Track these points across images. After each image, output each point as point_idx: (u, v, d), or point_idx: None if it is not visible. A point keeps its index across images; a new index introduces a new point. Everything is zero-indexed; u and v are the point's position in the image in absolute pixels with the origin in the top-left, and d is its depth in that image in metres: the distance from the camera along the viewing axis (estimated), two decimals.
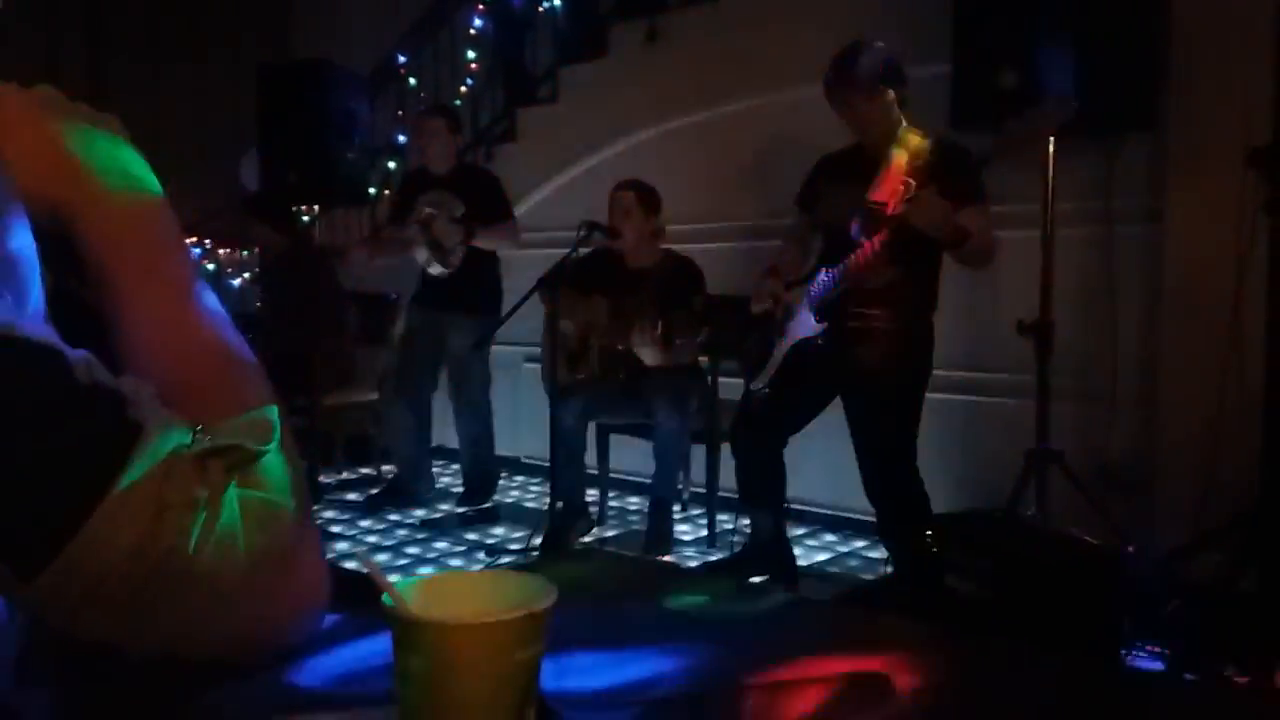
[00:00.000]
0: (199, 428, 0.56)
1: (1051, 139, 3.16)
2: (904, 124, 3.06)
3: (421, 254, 4.28)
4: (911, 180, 2.86)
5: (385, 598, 0.53)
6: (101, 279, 0.66)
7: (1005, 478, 3.29)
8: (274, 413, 0.62)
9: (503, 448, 4.68)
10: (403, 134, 5.86)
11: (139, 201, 0.69)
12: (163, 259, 0.68)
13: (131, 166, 0.69)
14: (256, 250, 4.45)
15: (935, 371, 3.15)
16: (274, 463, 0.59)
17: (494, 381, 4.46)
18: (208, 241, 6.22)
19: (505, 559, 3.59)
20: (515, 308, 3.49)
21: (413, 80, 5.86)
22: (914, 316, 3.08)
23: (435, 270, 4.26)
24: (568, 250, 3.64)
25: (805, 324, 3.15)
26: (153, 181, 0.70)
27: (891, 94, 3.02)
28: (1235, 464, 2.75)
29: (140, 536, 0.52)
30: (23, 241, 0.60)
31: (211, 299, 0.69)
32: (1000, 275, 3.35)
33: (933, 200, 2.75)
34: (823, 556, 3.64)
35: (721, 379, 3.81)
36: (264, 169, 5.39)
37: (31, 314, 0.60)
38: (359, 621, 0.75)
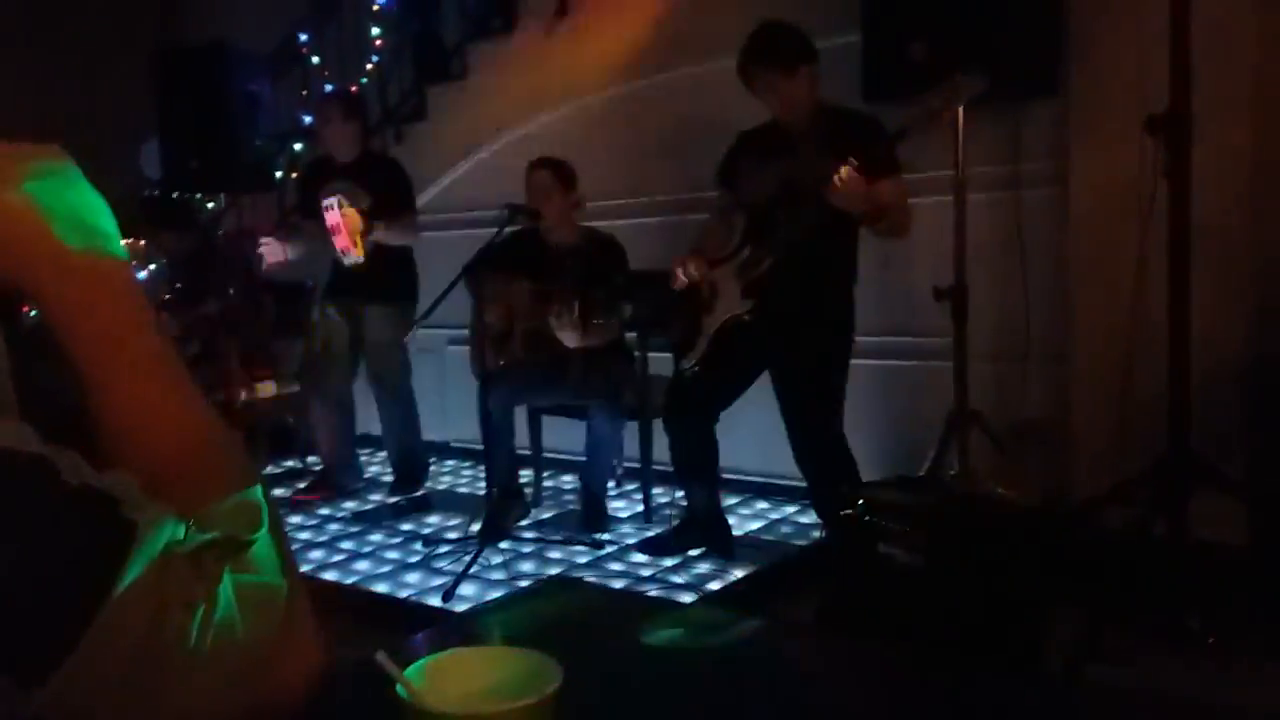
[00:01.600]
0: (190, 521, 0.56)
1: (961, 108, 3.23)
2: (818, 99, 3.10)
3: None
4: (831, 158, 2.91)
5: (400, 690, 0.54)
6: (69, 353, 0.64)
7: (927, 439, 3.40)
8: (259, 493, 0.62)
9: (431, 432, 4.65)
10: (308, 115, 5.71)
11: (104, 267, 0.66)
12: (132, 330, 0.66)
13: (90, 217, 0.66)
14: (163, 260, 4.32)
15: (856, 338, 3.23)
16: (264, 544, 0.59)
17: (417, 366, 4.42)
18: None
19: (443, 548, 3.59)
20: (439, 299, 3.46)
21: (316, 59, 5.70)
22: (835, 289, 3.16)
23: (348, 260, 4.18)
24: (487, 233, 3.61)
25: (732, 301, 3.19)
26: (113, 233, 0.67)
27: (805, 70, 3.06)
28: (1144, 417, 2.88)
29: (140, 639, 0.52)
30: None
31: (182, 368, 0.67)
32: (914, 241, 3.42)
33: (850, 178, 2.81)
34: (756, 525, 3.72)
35: (651, 355, 3.84)
36: (165, 158, 5.22)
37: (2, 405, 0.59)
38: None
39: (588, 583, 2.75)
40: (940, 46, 3.22)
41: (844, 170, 2.82)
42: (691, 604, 2.88)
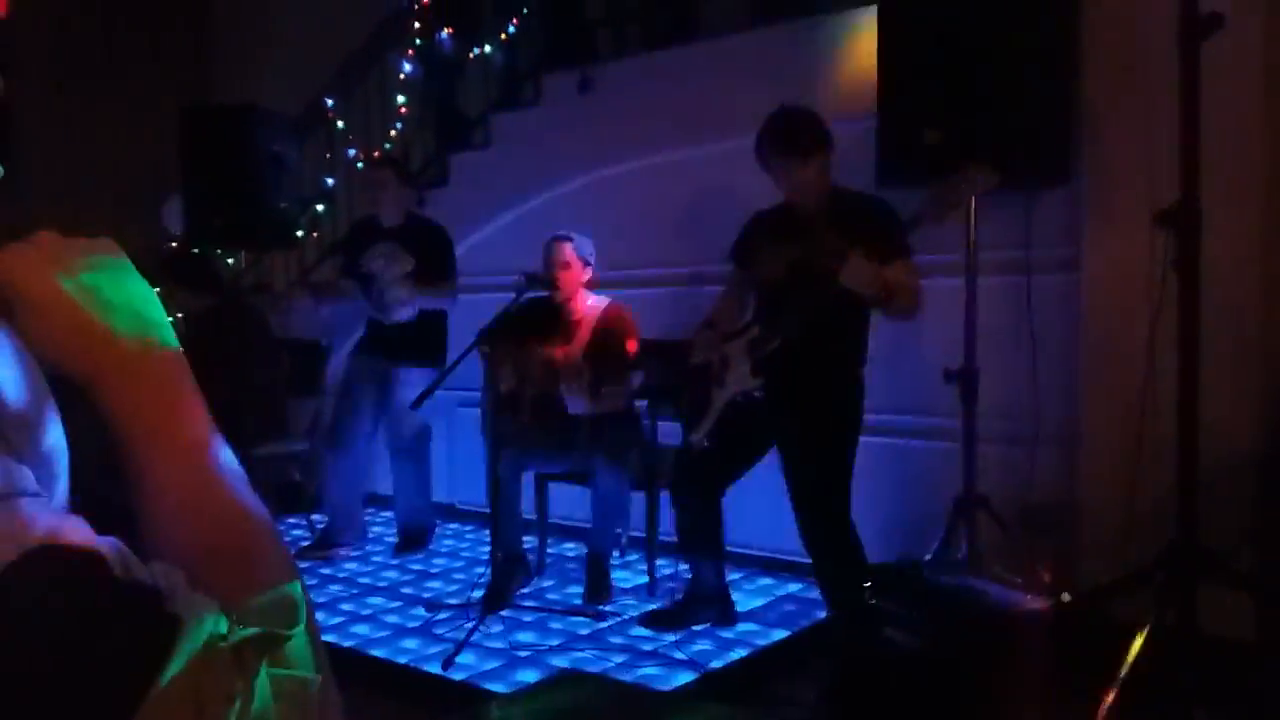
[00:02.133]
0: (232, 616, 0.58)
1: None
2: (833, 184, 3.16)
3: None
4: (843, 242, 2.96)
5: None
6: (120, 440, 0.66)
7: (933, 520, 3.39)
8: (298, 589, 0.64)
9: (437, 494, 4.65)
10: (331, 178, 5.82)
11: (156, 358, 0.69)
12: (181, 421, 0.68)
13: (143, 308, 0.69)
14: (179, 316, 4.38)
15: (865, 416, 3.24)
16: (301, 639, 0.61)
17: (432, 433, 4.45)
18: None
19: (444, 614, 3.56)
20: (455, 364, 3.50)
21: (341, 124, 5.83)
22: (846, 370, 3.17)
23: (387, 319, 4.24)
24: (503, 299, 3.66)
25: (742, 377, 3.21)
26: (164, 323, 0.70)
27: (819, 158, 3.11)
28: (1153, 507, 2.87)
29: None
30: (57, 434, 0.62)
31: (228, 455, 0.69)
32: (925, 323, 3.45)
33: (860, 263, 2.85)
34: (759, 601, 3.68)
35: (660, 424, 3.85)
36: (189, 214, 5.31)
37: (59, 497, 0.62)
38: None
39: (601, 678, 2.74)
40: (954, 134, 3.28)
41: (855, 254, 2.86)
42: (700, 698, 2.86)
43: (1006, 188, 3.31)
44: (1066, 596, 2.95)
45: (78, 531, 0.56)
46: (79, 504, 0.64)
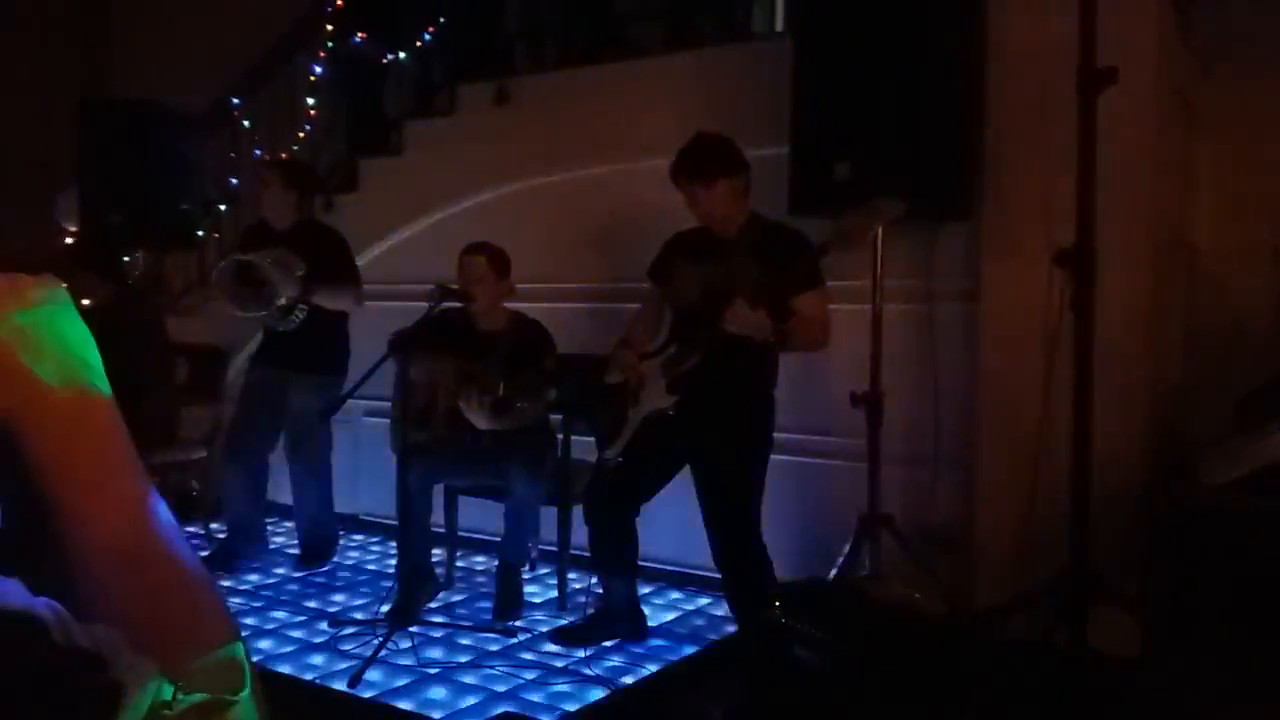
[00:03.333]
0: (176, 682, 0.57)
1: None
2: (748, 211, 3.24)
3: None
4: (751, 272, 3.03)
5: None
6: (47, 494, 0.63)
7: (837, 537, 3.50)
8: (240, 651, 0.63)
9: (341, 505, 4.57)
10: (235, 178, 5.68)
11: (86, 406, 0.65)
12: (113, 473, 0.65)
13: (77, 351, 0.65)
14: (83, 302, 4.19)
15: (774, 437, 3.32)
16: (247, 705, 0.60)
17: (335, 442, 4.37)
18: None
19: (350, 630, 3.52)
20: (367, 375, 3.45)
21: (247, 123, 5.69)
22: (757, 392, 3.26)
23: (281, 326, 4.12)
24: (414, 308, 3.63)
25: (656, 395, 3.26)
26: (97, 367, 0.66)
27: (723, 184, 3.18)
28: (1046, 530, 3.02)
29: None
30: None
31: (163, 509, 0.66)
32: (834, 347, 3.55)
33: (743, 310, 2.93)
34: (669, 616, 3.74)
35: (573, 438, 3.87)
36: (85, 209, 5.11)
37: None
38: None
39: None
40: (863, 166, 3.40)
41: (736, 304, 2.94)
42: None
43: (912, 219, 3.46)
44: (964, 615, 3.09)
45: (12, 594, 0.54)
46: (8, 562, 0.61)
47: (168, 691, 0.56)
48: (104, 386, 0.66)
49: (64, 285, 0.68)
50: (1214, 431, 3.10)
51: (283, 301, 3.98)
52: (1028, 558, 3.12)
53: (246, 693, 0.60)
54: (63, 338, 0.65)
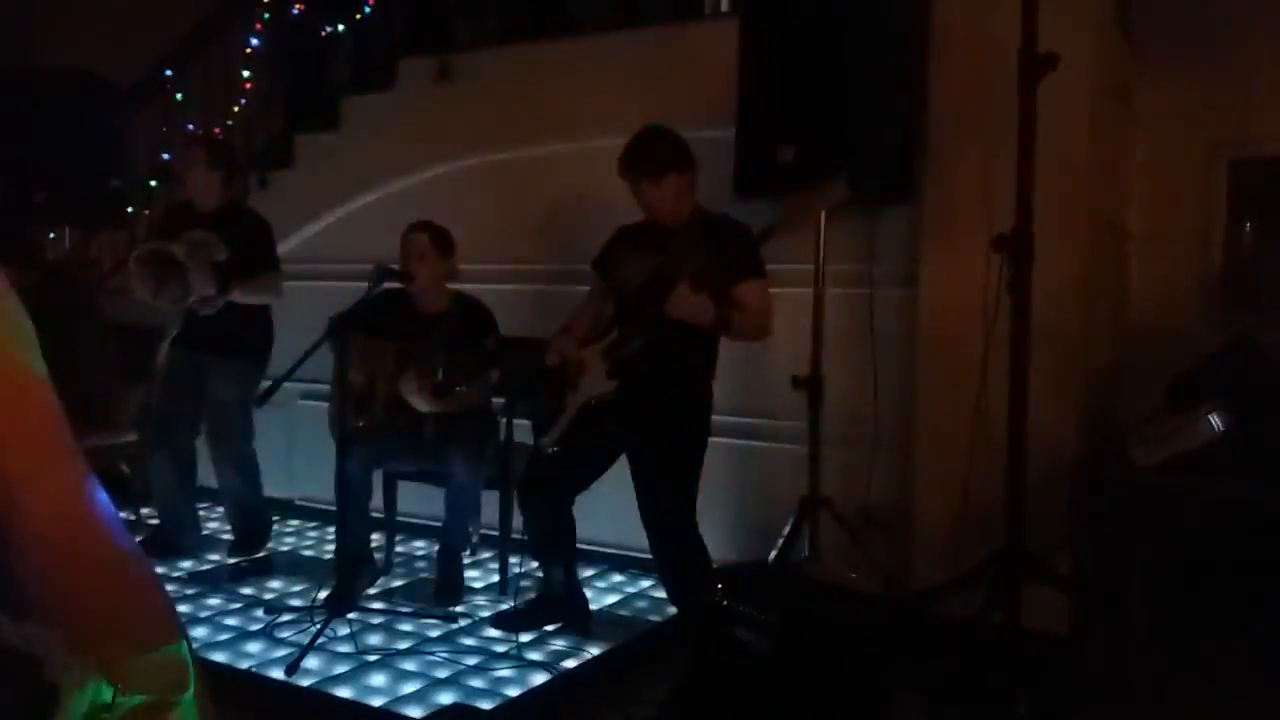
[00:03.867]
0: (116, 684, 0.55)
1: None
2: (693, 204, 3.23)
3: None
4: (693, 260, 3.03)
5: None
6: None
7: (777, 519, 3.52)
8: (184, 650, 0.61)
9: (276, 489, 4.49)
10: (167, 154, 5.52)
11: (20, 388, 0.61)
12: (51, 461, 0.62)
13: (10, 333, 0.62)
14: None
15: (710, 425, 3.32)
16: (189, 707, 0.59)
17: (266, 420, 4.27)
18: None
19: (287, 616, 3.46)
20: (305, 357, 3.37)
21: (180, 96, 5.53)
22: (695, 380, 3.25)
23: (201, 310, 3.98)
24: (348, 286, 3.58)
25: (596, 381, 3.24)
26: (34, 350, 0.63)
27: (671, 178, 3.17)
28: (982, 511, 3.07)
29: None
30: None
31: (102, 497, 0.63)
32: (774, 330, 3.57)
33: (685, 295, 2.93)
34: (612, 599, 3.74)
35: (515, 422, 3.83)
36: (5, 186, 4.94)
37: None
38: None
39: (483, 712, 2.72)
40: (807, 150, 3.41)
41: (679, 289, 2.94)
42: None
43: (854, 203, 3.48)
44: (901, 594, 3.13)
45: None
46: None
47: (107, 693, 0.54)
48: (39, 368, 0.63)
49: None
50: (1145, 414, 3.17)
51: (193, 299, 3.87)
52: (964, 538, 3.17)
53: (190, 694, 0.58)
54: None
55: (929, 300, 3.49)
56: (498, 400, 3.87)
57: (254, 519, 4.27)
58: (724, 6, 5.31)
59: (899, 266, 3.63)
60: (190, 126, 5.47)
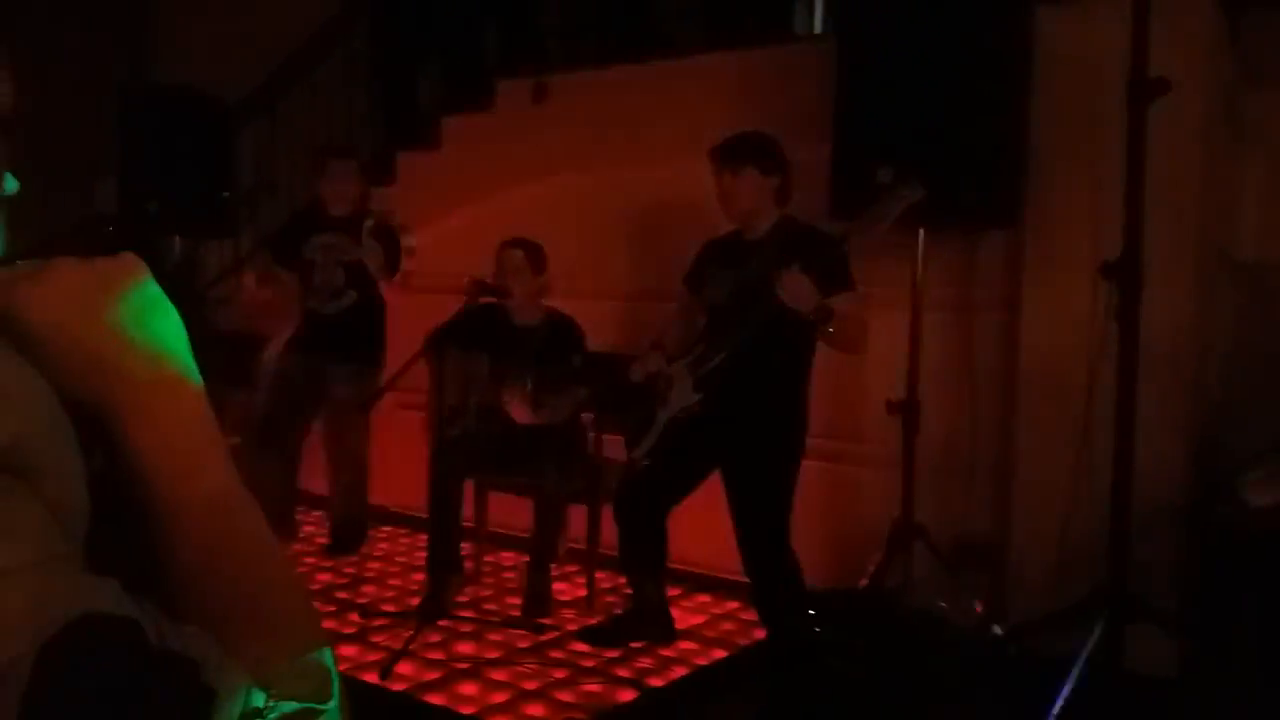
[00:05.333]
0: (269, 690, 0.57)
1: (922, 231, 3.39)
2: (777, 213, 3.22)
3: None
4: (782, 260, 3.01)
5: None
6: (136, 487, 0.63)
7: (867, 545, 3.48)
8: (329, 657, 0.62)
9: (371, 495, 4.59)
10: (273, 167, 5.70)
11: (177, 396, 0.64)
12: (204, 466, 0.64)
13: (165, 340, 0.65)
14: None
15: (805, 442, 3.29)
16: (334, 715, 0.60)
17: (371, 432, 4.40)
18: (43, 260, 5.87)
19: (380, 621, 3.53)
20: (405, 368, 3.46)
21: (286, 113, 5.71)
22: (789, 395, 3.23)
23: (328, 308, 4.14)
24: (444, 299, 3.66)
25: (684, 393, 3.25)
26: (187, 357, 0.66)
27: (751, 172, 3.16)
28: (1082, 545, 2.99)
29: None
30: (80, 483, 0.59)
31: (254, 506, 0.66)
32: (869, 353, 3.53)
33: (797, 277, 2.90)
34: (697, 620, 3.73)
35: (605, 437, 3.87)
36: (122, 196, 5.15)
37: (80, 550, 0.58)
38: None
39: None
40: (906, 171, 3.36)
41: (791, 270, 2.92)
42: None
43: (953, 226, 3.44)
44: (997, 629, 3.06)
45: (112, 597, 0.54)
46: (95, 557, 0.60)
47: (259, 698, 0.56)
48: (194, 375, 0.66)
49: (149, 271, 0.67)
50: (1259, 448, 3.06)
51: (320, 295, 4.03)
52: (1062, 573, 3.08)
53: (334, 704, 0.60)
54: (150, 326, 0.65)
55: (1031, 327, 3.41)
56: (588, 415, 3.91)
57: (355, 522, 4.39)
58: (817, 27, 5.31)
59: (999, 291, 3.56)
60: (295, 142, 5.64)
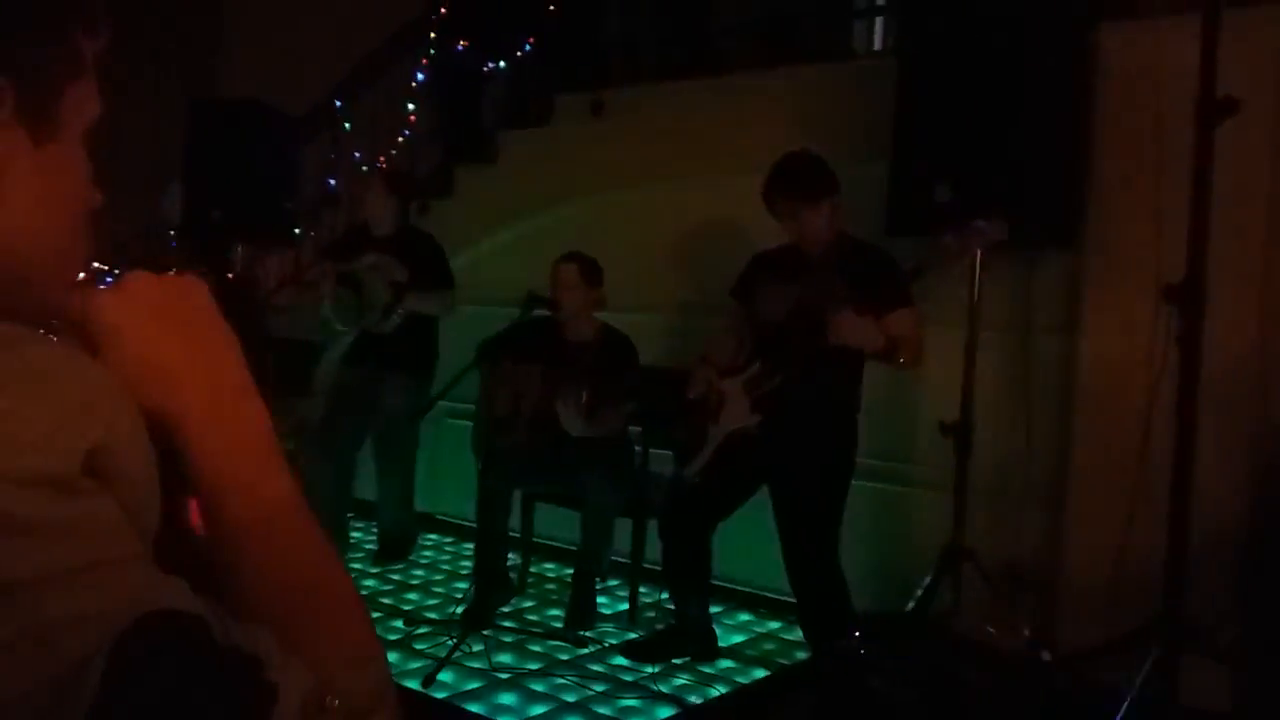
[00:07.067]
0: (327, 695, 0.58)
1: (980, 249, 3.34)
2: (838, 229, 3.20)
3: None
4: (842, 290, 3.01)
5: None
6: (200, 493, 0.65)
7: (915, 567, 3.42)
8: (386, 666, 0.64)
9: (419, 503, 4.63)
10: (334, 179, 5.82)
11: (241, 406, 0.67)
12: (267, 475, 0.66)
13: (228, 353, 0.68)
14: None
15: (856, 462, 3.26)
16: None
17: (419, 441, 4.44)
18: (118, 271, 6.04)
19: (424, 629, 3.55)
20: (457, 378, 3.50)
21: (348, 126, 5.83)
22: (841, 416, 3.20)
23: (379, 328, 4.21)
24: (502, 314, 3.69)
25: (739, 413, 3.24)
26: (247, 372, 0.69)
27: (827, 202, 3.16)
28: (1137, 573, 2.91)
29: None
30: (154, 484, 0.60)
31: (312, 515, 0.68)
32: (921, 373, 3.49)
33: (851, 319, 2.89)
34: (739, 638, 3.69)
35: (652, 452, 3.86)
36: (187, 204, 5.28)
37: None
38: None
39: None
40: (964, 189, 3.33)
41: (843, 314, 2.91)
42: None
43: (1012, 246, 3.38)
44: (1047, 656, 2.99)
45: (181, 595, 0.55)
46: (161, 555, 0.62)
47: (320, 699, 0.57)
48: (255, 389, 0.68)
49: (209, 290, 0.70)
50: None
51: (372, 314, 4.09)
52: (1116, 602, 3.00)
53: (388, 714, 0.62)
54: (214, 339, 0.68)
55: (1090, 349, 3.35)
56: (637, 429, 3.91)
57: (402, 529, 4.44)
58: (877, 44, 5.29)
59: (1057, 313, 3.50)
60: (356, 155, 5.75)
